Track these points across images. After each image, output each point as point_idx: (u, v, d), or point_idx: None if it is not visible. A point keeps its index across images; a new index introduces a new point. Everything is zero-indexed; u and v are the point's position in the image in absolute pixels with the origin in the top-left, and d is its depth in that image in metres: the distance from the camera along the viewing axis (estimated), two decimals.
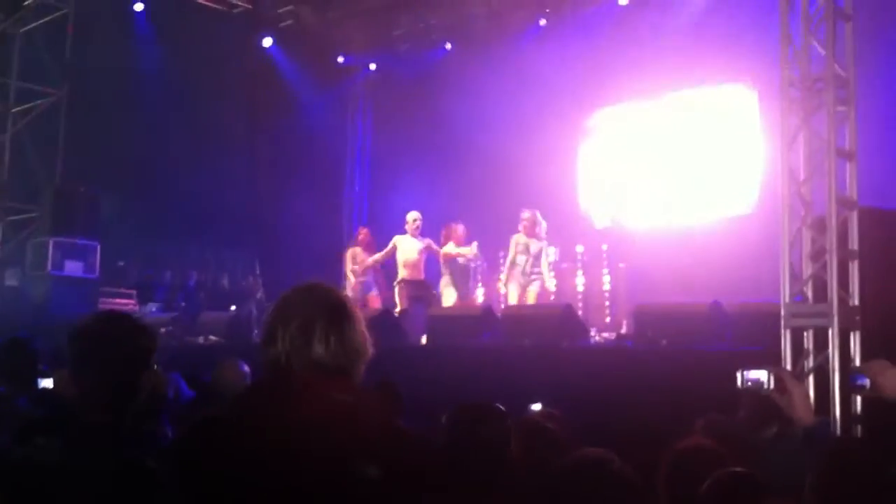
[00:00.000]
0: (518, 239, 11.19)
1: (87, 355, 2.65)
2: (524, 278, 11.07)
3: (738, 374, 3.40)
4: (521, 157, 13.66)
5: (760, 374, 3.35)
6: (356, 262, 12.28)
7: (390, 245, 11.86)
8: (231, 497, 2.07)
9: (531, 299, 10.98)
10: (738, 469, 3.05)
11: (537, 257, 11.11)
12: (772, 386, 3.34)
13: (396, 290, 11.91)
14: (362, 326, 2.35)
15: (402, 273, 11.85)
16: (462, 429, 3.44)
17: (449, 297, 11.41)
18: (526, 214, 11.28)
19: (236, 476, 2.06)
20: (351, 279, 12.26)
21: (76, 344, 2.69)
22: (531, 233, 11.16)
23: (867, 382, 3.22)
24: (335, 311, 2.31)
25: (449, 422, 3.49)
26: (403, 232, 11.96)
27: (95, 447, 2.47)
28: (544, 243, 11.24)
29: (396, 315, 11.02)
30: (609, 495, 2.49)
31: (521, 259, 11.10)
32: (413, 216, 11.93)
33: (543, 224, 11.27)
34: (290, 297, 2.37)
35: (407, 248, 11.80)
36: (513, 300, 10.97)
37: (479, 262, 12.17)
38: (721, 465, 3.16)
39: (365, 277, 12.26)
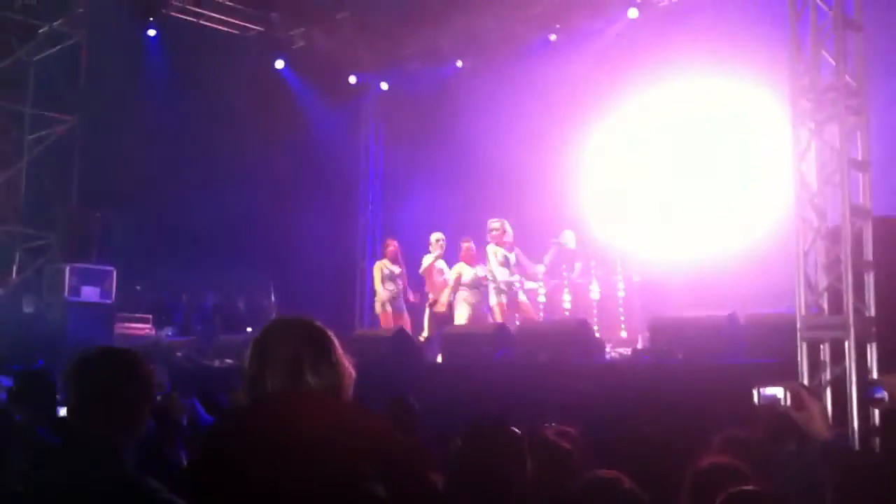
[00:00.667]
0: (496, 250, 11.19)
1: (88, 390, 2.69)
2: (508, 290, 11.06)
3: (755, 392, 3.39)
4: (532, 172, 13.68)
5: (777, 391, 3.33)
6: (384, 274, 12.09)
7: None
8: None
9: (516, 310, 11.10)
10: (749, 487, 3.03)
11: (510, 266, 11.20)
12: (788, 402, 3.32)
13: (428, 312, 11.86)
14: (341, 351, 2.40)
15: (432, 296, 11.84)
16: (475, 451, 3.43)
17: (462, 313, 11.37)
18: (496, 224, 11.28)
19: (244, 493, 2.07)
20: (381, 293, 12.05)
21: (76, 379, 2.73)
22: (500, 241, 11.22)
23: (885, 395, 3.20)
24: (320, 341, 2.37)
25: (462, 443, 3.47)
26: (422, 250, 11.95)
27: (97, 470, 2.48)
28: (516, 250, 11.34)
29: (422, 339, 11.01)
30: None
31: (502, 272, 11.07)
32: (437, 237, 11.90)
33: (510, 232, 11.34)
34: (272, 333, 2.41)
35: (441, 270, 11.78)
36: (498, 316, 11.02)
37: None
38: (744, 482, 3.13)
39: (397, 295, 12.06)
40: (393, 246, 12.37)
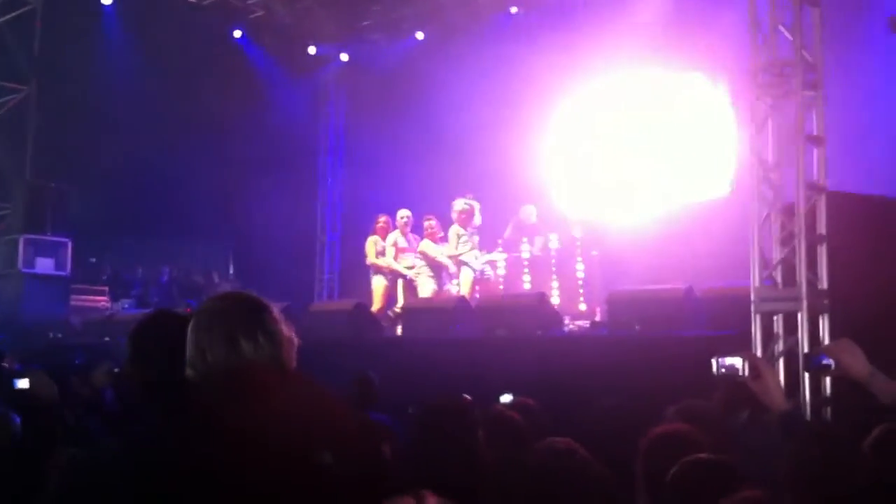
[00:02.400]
0: (459, 231, 11.16)
1: (151, 351, 2.71)
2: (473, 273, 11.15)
3: (714, 361, 3.42)
4: (495, 145, 13.67)
5: (735, 361, 3.37)
6: (378, 248, 11.71)
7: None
8: (195, 496, 2.08)
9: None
10: (708, 455, 3.08)
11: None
12: (746, 372, 3.36)
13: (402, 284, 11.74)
14: (282, 322, 2.38)
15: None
16: (428, 422, 3.45)
17: (426, 287, 11.33)
18: (465, 206, 11.23)
19: (204, 479, 2.07)
20: (382, 264, 11.60)
21: (141, 343, 2.75)
22: (467, 224, 11.21)
23: (831, 362, 3.25)
24: (253, 310, 2.36)
25: (416, 415, 3.50)
26: (385, 225, 11.82)
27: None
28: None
29: (398, 311, 10.91)
30: (574, 485, 2.50)
31: (467, 253, 11.14)
32: (404, 213, 11.78)
33: (478, 217, 11.40)
34: (206, 310, 2.41)
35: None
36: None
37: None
38: (698, 449, 3.17)
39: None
40: (382, 221, 11.93)
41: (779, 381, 3.60)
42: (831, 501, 2.77)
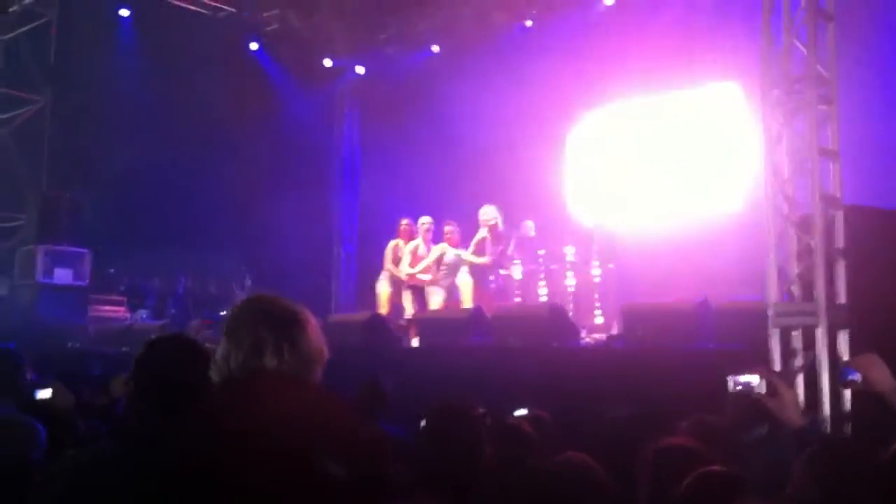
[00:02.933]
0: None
1: (160, 373, 2.83)
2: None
3: (730, 379, 3.42)
4: (509, 158, 13.69)
5: (751, 378, 3.37)
6: (397, 254, 11.83)
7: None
8: (192, 497, 2.09)
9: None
10: (717, 468, 3.07)
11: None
12: (763, 389, 3.36)
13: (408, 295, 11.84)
14: (314, 332, 2.38)
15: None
16: (436, 430, 3.46)
17: (436, 298, 11.40)
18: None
19: (202, 479, 2.08)
20: (397, 272, 11.73)
21: (149, 362, 2.86)
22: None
23: (858, 377, 3.24)
24: (285, 321, 2.34)
25: (425, 424, 3.52)
26: (409, 228, 11.93)
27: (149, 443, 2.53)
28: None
29: (408, 321, 11.03)
30: (587, 499, 2.51)
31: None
32: (425, 220, 11.87)
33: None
34: (238, 315, 2.40)
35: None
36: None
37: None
38: (701, 463, 3.17)
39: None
40: (405, 225, 12.05)
41: (796, 398, 3.60)
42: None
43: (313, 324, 2.39)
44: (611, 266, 11.89)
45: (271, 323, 2.33)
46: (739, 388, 3.37)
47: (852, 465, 2.92)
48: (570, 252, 12.07)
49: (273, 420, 2.13)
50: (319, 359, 2.37)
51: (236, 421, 2.17)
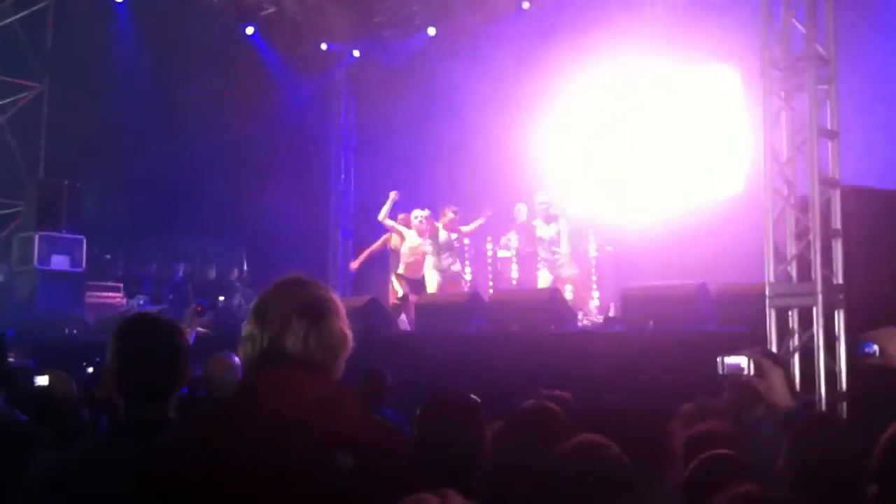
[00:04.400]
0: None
1: (133, 353, 2.80)
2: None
3: (719, 361, 3.41)
4: (505, 140, 13.65)
5: (740, 360, 3.36)
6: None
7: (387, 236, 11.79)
8: (211, 497, 2.08)
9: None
10: (723, 451, 3.06)
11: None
12: (751, 371, 3.35)
13: (395, 282, 11.94)
14: (341, 321, 2.37)
15: (402, 269, 11.90)
16: (433, 420, 3.44)
17: (432, 280, 11.49)
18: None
19: (214, 478, 2.08)
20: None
21: (122, 343, 2.82)
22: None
23: (876, 350, 3.22)
24: (312, 307, 2.33)
25: (421, 413, 3.49)
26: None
27: (141, 439, 2.54)
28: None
29: (397, 301, 11.12)
30: (603, 481, 2.50)
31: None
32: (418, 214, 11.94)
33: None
34: (267, 296, 2.39)
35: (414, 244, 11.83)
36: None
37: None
38: (730, 448, 3.16)
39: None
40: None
41: (783, 379, 3.58)
42: (825, 494, 2.75)
43: (341, 312, 2.38)
44: (608, 249, 11.89)
45: (301, 309, 2.31)
46: (728, 369, 3.36)
47: (833, 448, 2.91)
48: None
49: (283, 416, 2.13)
50: (343, 347, 2.36)
51: (246, 418, 2.17)
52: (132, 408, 2.77)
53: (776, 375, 3.38)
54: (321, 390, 2.21)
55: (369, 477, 2.08)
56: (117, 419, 3.29)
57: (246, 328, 2.35)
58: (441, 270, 11.51)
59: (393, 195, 12.00)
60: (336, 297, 2.41)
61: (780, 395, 3.34)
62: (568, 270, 11.11)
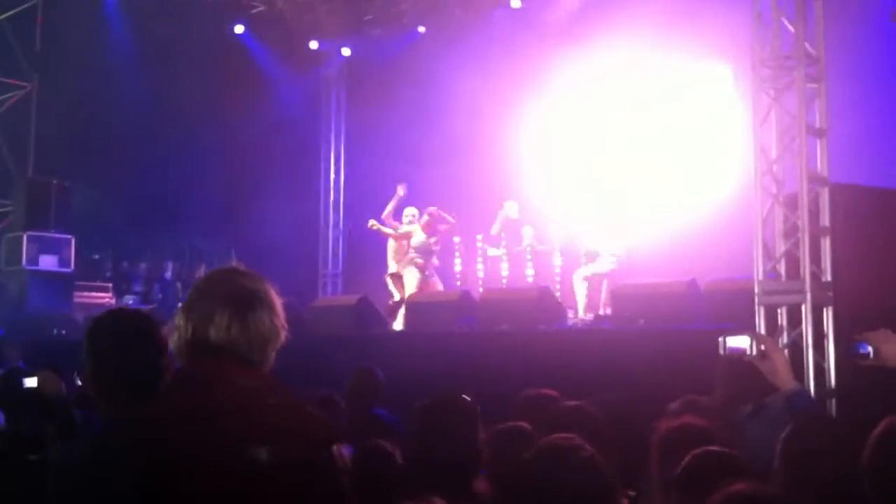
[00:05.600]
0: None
1: (106, 351, 2.69)
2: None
3: (720, 340, 3.40)
4: (497, 139, 13.66)
5: (742, 341, 3.35)
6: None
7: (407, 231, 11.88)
8: (137, 493, 2.10)
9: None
10: (715, 448, 3.06)
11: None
12: (754, 352, 3.34)
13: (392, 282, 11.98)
14: (271, 313, 2.34)
15: (394, 267, 11.95)
16: (428, 420, 3.43)
17: (411, 279, 11.53)
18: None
19: (139, 475, 2.09)
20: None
21: (97, 341, 2.73)
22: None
23: (870, 350, 3.21)
24: (237, 297, 2.31)
25: (417, 416, 3.48)
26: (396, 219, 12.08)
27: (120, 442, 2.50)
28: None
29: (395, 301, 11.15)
30: (575, 479, 2.50)
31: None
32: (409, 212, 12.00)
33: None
34: (197, 286, 2.39)
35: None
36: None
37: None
38: (710, 443, 3.17)
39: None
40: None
41: (787, 361, 3.58)
42: (818, 491, 2.76)
43: (273, 304, 2.36)
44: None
45: (226, 299, 2.30)
46: (730, 350, 3.36)
47: (825, 446, 2.92)
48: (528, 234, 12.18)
49: (201, 410, 2.13)
50: (272, 339, 2.33)
51: (165, 413, 2.19)
52: (112, 408, 2.68)
53: (779, 357, 3.38)
54: (243, 382, 2.20)
55: (288, 468, 2.07)
56: (70, 422, 3.22)
57: (175, 318, 2.35)
58: (419, 268, 11.59)
59: (400, 190, 12.04)
60: (269, 288, 2.39)
61: (783, 377, 3.35)
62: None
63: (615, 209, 11.74)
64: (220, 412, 2.12)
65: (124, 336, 2.71)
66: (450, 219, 11.84)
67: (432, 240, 11.72)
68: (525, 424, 3.88)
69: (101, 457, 2.29)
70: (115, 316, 2.85)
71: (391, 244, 12.01)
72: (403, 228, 11.74)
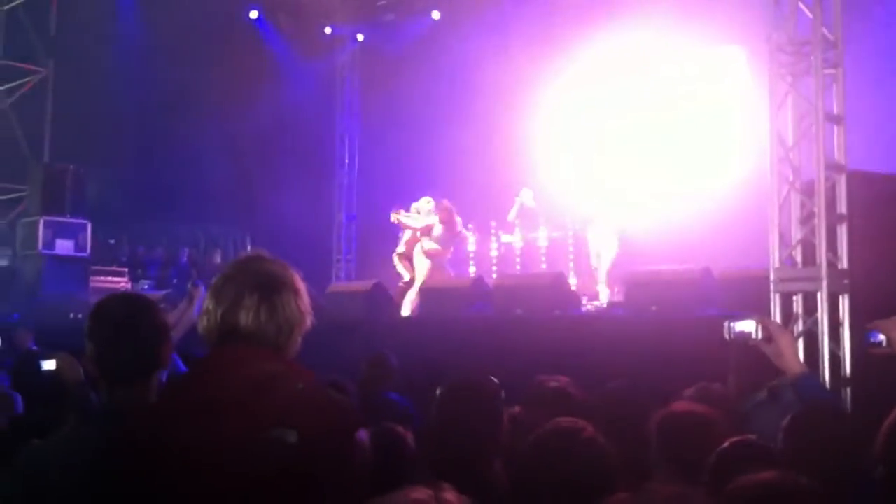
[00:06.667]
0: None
1: (108, 334, 2.71)
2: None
3: (726, 325, 3.38)
4: (513, 124, 13.61)
5: (747, 325, 3.33)
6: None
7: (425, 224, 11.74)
8: (159, 478, 2.11)
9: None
10: (747, 437, 3.04)
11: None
12: (759, 336, 3.32)
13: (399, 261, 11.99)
14: (298, 298, 2.38)
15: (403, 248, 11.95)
16: (452, 404, 3.43)
17: (422, 267, 11.49)
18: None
19: (162, 457, 2.11)
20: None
21: (96, 324, 2.75)
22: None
23: (883, 339, 3.19)
24: (265, 282, 2.34)
25: (440, 396, 3.48)
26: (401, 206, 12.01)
27: (105, 426, 2.51)
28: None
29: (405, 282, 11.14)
30: (580, 463, 2.50)
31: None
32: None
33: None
34: (225, 272, 2.41)
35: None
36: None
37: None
38: (711, 428, 3.16)
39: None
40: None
41: (793, 344, 3.56)
42: (822, 472, 2.74)
43: (299, 289, 2.39)
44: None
45: (254, 284, 2.33)
46: (735, 335, 3.33)
47: (827, 434, 2.89)
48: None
49: (223, 395, 2.15)
50: (298, 324, 2.37)
51: (189, 399, 2.21)
52: (110, 391, 2.69)
53: (785, 340, 3.35)
54: (268, 367, 2.22)
55: (310, 454, 2.09)
56: (87, 407, 3.23)
57: (203, 304, 2.37)
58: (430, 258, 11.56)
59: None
60: (295, 274, 2.42)
61: (790, 361, 3.32)
62: None
63: (627, 194, 11.70)
64: (247, 396, 2.14)
65: (122, 321, 2.73)
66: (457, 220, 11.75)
67: (449, 233, 11.69)
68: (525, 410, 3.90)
69: (109, 445, 2.30)
70: (116, 300, 2.88)
71: (407, 232, 11.94)
72: (423, 221, 11.64)
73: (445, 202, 11.66)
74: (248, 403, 2.13)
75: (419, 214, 11.68)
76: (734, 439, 2.95)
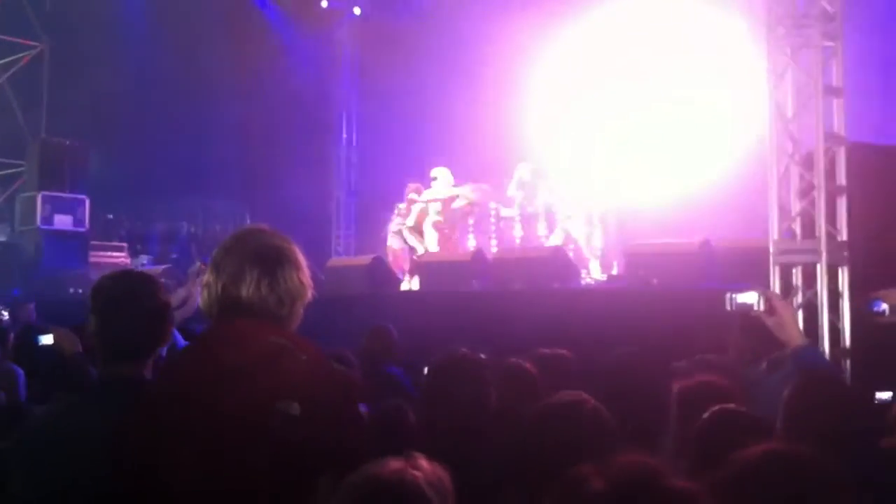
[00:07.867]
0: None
1: (109, 310, 2.71)
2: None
3: (727, 297, 3.39)
4: (513, 98, 13.56)
5: (749, 297, 3.34)
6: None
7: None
8: (163, 449, 2.12)
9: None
10: (734, 406, 3.06)
11: None
12: (761, 307, 3.33)
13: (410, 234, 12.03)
14: (298, 270, 2.38)
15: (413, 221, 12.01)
16: (441, 378, 3.45)
17: (431, 238, 11.50)
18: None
19: (167, 430, 2.12)
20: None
21: (97, 300, 2.74)
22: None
23: (885, 308, 3.20)
24: (265, 255, 2.35)
25: (429, 371, 3.50)
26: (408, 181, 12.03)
27: (120, 400, 2.51)
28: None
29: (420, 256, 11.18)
30: (582, 436, 2.51)
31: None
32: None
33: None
34: (224, 245, 2.42)
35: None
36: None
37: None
38: (728, 401, 3.16)
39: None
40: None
41: (795, 316, 3.57)
42: (821, 442, 2.76)
43: (299, 261, 2.40)
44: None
45: (255, 257, 2.34)
46: (737, 306, 3.35)
47: (827, 404, 2.90)
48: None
49: (227, 367, 2.17)
50: (300, 296, 2.38)
51: (193, 371, 2.23)
52: (108, 366, 2.70)
53: (787, 312, 3.37)
54: (271, 339, 2.23)
55: (314, 425, 2.10)
56: (89, 380, 3.24)
57: (204, 277, 2.38)
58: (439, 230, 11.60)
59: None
60: (295, 247, 2.43)
61: (792, 333, 3.33)
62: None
63: (625, 166, 11.70)
64: (251, 368, 2.15)
65: (121, 298, 2.72)
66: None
67: (469, 209, 11.74)
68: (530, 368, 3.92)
69: (101, 417, 2.32)
70: (117, 277, 2.87)
71: (418, 205, 11.90)
72: (445, 192, 11.62)
73: (486, 187, 11.71)
74: (254, 375, 2.14)
75: (437, 181, 11.67)
76: (716, 409, 2.95)
